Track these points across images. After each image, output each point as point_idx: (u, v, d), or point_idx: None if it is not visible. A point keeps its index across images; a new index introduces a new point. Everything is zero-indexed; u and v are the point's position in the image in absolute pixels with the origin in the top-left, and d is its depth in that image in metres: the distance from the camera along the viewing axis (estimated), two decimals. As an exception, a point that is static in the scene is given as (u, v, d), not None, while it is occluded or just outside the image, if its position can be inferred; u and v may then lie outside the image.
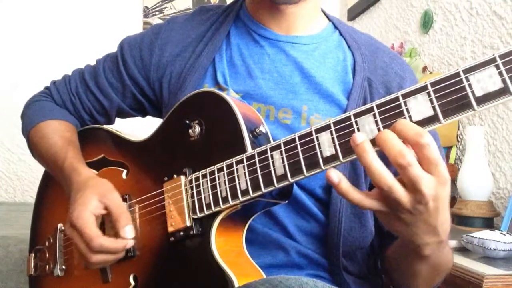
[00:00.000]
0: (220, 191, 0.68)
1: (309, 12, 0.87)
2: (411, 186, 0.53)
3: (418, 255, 0.65)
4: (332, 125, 0.59)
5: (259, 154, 0.65)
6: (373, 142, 0.55)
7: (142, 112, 1.01)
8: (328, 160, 0.59)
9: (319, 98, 0.81)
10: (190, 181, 0.73)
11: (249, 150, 0.67)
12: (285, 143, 0.63)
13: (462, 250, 1.14)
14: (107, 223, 0.79)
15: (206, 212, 0.70)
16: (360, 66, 0.83)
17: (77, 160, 0.86)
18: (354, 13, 2.51)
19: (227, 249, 0.70)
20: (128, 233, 0.74)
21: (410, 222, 0.58)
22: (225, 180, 0.68)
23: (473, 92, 0.50)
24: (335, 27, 0.90)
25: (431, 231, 0.60)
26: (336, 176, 0.56)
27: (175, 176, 0.75)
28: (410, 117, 0.54)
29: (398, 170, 0.53)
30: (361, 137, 0.54)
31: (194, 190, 0.72)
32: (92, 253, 0.74)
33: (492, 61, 0.50)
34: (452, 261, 0.78)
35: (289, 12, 0.85)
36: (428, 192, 0.53)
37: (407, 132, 0.52)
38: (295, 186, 0.75)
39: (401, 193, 0.54)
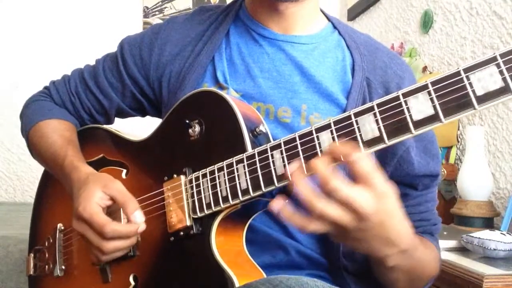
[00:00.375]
0: (220, 190, 0.68)
1: (308, 12, 0.87)
2: (346, 207, 0.55)
3: (383, 266, 0.66)
4: (332, 125, 0.59)
5: (259, 153, 0.65)
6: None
7: (142, 111, 1.01)
8: (328, 159, 0.59)
9: (319, 97, 0.81)
10: (190, 181, 0.73)
11: (249, 150, 0.67)
12: (285, 143, 0.63)
13: (462, 250, 1.14)
14: (112, 214, 0.79)
15: (206, 212, 0.70)
16: (359, 66, 0.83)
17: (77, 158, 0.86)
18: (354, 13, 2.51)
19: (227, 248, 0.70)
20: (138, 218, 0.74)
21: (361, 238, 0.60)
22: (225, 180, 0.68)
23: (473, 91, 0.50)
24: (334, 27, 0.90)
25: (386, 244, 0.61)
26: (277, 207, 0.59)
27: (175, 175, 0.75)
28: (410, 116, 0.54)
29: (329, 196, 0.56)
30: (293, 167, 0.59)
31: (194, 190, 0.71)
32: (106, 241, 0.73)
33: (492, 60, 0.50)
34: (435, 263, 0.79)
35: (289, 12, 0.85)
36: (364, 210, 0.55)
37: (337, 152, 0.56)
38: None
39: (336, 214, 0.56)
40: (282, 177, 0.62)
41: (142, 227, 0.74)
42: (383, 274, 0.74)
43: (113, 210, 0.77)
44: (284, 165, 0.61)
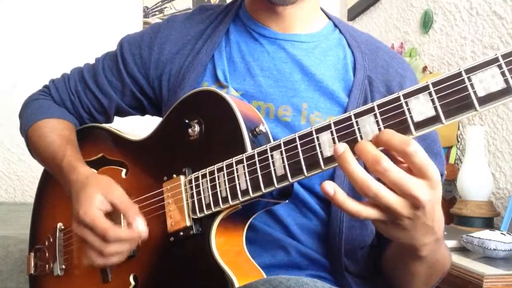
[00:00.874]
0: (220, 191, 0.68)
1: (307, 12, 0.87)
2: (398, 190, 0.54)
3: (415, 256, 0.65)
4: (332, 125, 0.59)
5: (259, 154, 0.65)
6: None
7: (141, 110, 1.00)
8: (328, 160, 0.59)
9: (320, 95, 0.81)
10: (190, 181, 0.72)
11: (249, 150, 0.67)
12: (285, 143, 0.62)
13: (462, 250, 1.14)
14: (111, 217, 0.78)
15: (206, 212, 0.70)
16: (360, 64, 0.83)
17: (75, 158, 0.86)
18: (354, 13, 2.51)
19: (227, 249, 0.70)
20: (140, 225, 0.73)
21: (410, 227, 0.58)
22: (225, 180, 0.68)
23: (475, 92, 0.50)
24: (335, 25, 0.90)
25: (429, 232, 0.60)
26: (331, 187, 0.55)
27: (174, 176, 0.75)
28: (411, 117, 0.54)
29: (380, 178, 0.53)
30: (342, 148, 0.54)
31: (194, 190, 0.71)
32: (107, 244, 0.72)
33: (494, 61, 0.50)
34: (449, 259, 0.78)
35: (287, 13, 0.85)
36: (422, 197, 0.53)
37: (393, 142, 0.52)
38: (296, 184, 0.75)
39: (391, 199, 0.54)
40: (283, 177, 0.62)
41: (144, 235, 0.73)
42: (408, 266, 0.71)
43: (112, 213, 0.77)
44: (284, 166, 0.59)
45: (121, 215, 0.76)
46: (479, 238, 1.06)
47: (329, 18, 0.92)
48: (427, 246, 0.62)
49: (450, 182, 1.61)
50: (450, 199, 1.62)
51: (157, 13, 2.57)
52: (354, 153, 0.55)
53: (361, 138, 0.57)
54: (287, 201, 0.72)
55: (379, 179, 0.54)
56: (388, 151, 0.54)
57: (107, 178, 0.80)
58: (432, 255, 0.66)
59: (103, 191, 0.76)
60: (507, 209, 1.30)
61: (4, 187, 2.45)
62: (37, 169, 1.07)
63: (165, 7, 2.58)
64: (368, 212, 0.56)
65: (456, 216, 1.45)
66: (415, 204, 0.54)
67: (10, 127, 2.32)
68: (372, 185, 0.53)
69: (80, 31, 2.47)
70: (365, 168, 0.54)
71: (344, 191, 0.55)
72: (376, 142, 0.54)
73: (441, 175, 0.84)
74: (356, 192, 0.55)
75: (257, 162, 0.65)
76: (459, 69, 0.51)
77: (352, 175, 0.54)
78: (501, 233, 1.07)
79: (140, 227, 0.73)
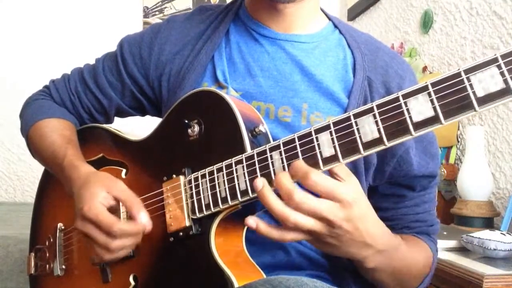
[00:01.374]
0: (220, 191, 0.68)
1: (308, 12, 0.87)
2: (313, 216, 0.58)
3: (364, 268, 0.69)
4: (331, 126, 0.59)
5: (259, 154, 0.65)
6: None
7: (141, 111, 1.00)
8: (327, 160, 0.59)
9: (320, 96, 0.81)
10: (189, 181, 0.72)
11: (249, 150, 0.67)
12: (285, 143, 0.62)
13: (462, 250, 1.14)
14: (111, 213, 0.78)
15: (206, 213, 0.70)
16: (360, 65, 0.83)
17: (77, 157, 0.86)
18: (354, 13, 2.51)
19: (227, 249, 0.70)
20: (144, 218, 0.73)
21: (336, 244, 0.62)
22: (224, 181, 0.68)
23: (474, 93, 0.50)
24: (335, 26, 0.90)
25: (362, 246, 0.64)
26: (254, 221, 0.61)
27: (174, 176, 0.75)
28: (410, 117, 0.54)
29: (295, 209, 0.58)
30: (260, 184, 0.60)
31: (194, 190, 0.71)
32: (113, 239, 0.72)
33: (493, 61, 0.50)
34: (426, 260, 0.80)
35: (288, 12, 0.85)
36: (334, 218, 0.58)
37: (298, 175, 0.58)
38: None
39: (309, 223, 0.59)
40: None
41: (148, 227, 0.74)
42: (369, 276, 0.75)
43: (112, 209, 0.77)
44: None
45: (121, 212, 0.77)
46: (479, 238, 1.06)
47: (329, 18, 0.92)
48: (368, 258, 0.66)
49: (450, 182, 1.61)
50: (450, 199, 1.62)
51: (157, 13, 2.57)
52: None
53: (360, 138, 0.57)
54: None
55: None
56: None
57: (108, 174, 0.80)
58: (385, 264, 0.69)
59: (106, 187, 0.76)
60: (507, 209, 1.30)
61: (4, 187, 2.46)
62: (37, 169, 1.07)
63: (165, 7, 2.58)
64: (291, 236, 0.61)
65: (456, 216, 1.45)
66: (330, 224, 0.59)
67: (10, 127, 2.33)
68: (290, 216, 0.58)
69: (80, 31, 2.47)
70: None
71: None
72: (290, 174, 0.59)
73: (436, 177, 0.84)
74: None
75: (256, 163, 0.65)
76: (458, 69, 0.51)
77: (272, 208, 0.59)
78: (501, 233, 1.07)
79: (144, 220, 0.73)
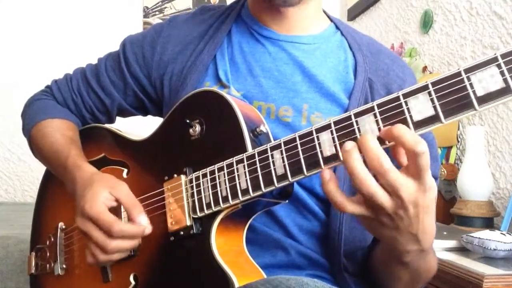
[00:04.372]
0: (220, 190, 0.68)
1: (310, 13, 0.87)
2: (391, 191, 0.55)
3: (398, 260, 0.66)
4: (332, 125, 0.59)
5: (260, 153, 0.65)
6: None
7: (143, 110, 1.01)
8: (328, 160, 0.59)
9: (320, 96, 0.82)
10: (190, 181, 0.73)
11: (250, 150, 0.67)
12: (286, 143, 0.63)
13: (462, 250, 1.14)
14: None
15: (206, 212, 0.70)
16: (361, 67, 0.83)
17: (79, 157, 0.86)
18: (354, 13, 2.51)
19: (227, 248, 0.70)
20: (144, 222, 0.74)
21: (392, 227, 0.59)
22: (225, 180, 0.68)
23: (474, 92, 0.50)
24: (337, 27, 0.90)
25: (412, 239, 0.61)
26: (328, 173, 0.57)
27: (175, 175, 0.75)
28: (411, 116, 0.54)
29: (376, 175, 0.54)
30: (350, 144, 0.55)
31: (194, 190, 0.71)
32: (111, 239, 0.73)
33: (493, 60, 0.50)
34: (434, 270, 0.79)
35: (290, 14, 0.85)
36: (407, 198, 0.55)
37: (406, 139, 0.53)
38: (295, 185, 0.75)
39: (384, 199, 0.55)
40: (283, 176, 0.62)
41: (148, 230, 0.74)
42: (391, 269, 0.73)
43: (113, 210, 0.77)
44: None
45: (122, 213, 0.77)
46: (479, 238, 1.06)
47: (331, 20, 0.92)
48: (410, 253, 0.63)
49: (450, 182, 1.61)
50: (450, 199, 1.62)
51: (157, 13, 2.57)
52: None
53: None
54: (287, 201, 0.72)
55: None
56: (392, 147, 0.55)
57: (112, 176, 0.80)
58: (416, 263, 0.68)
59: (109, 187, 0.76)
60: (507, 209, 1.30)
61: (4, 187, 2.46)
62: (37, 169, 1.08)
63: (165, 7, 2.58)
64: (353, 208, 0.58)
65: (456, 216, 1.45)
66: (399, 203, 0.55)
67: (10, 127, 2.33)
68: (372, 185, 0.55)
69: (80, 31, 2.47)
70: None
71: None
72: (386, 135, 0.55)
73: (436, 179, 0.84)
74: (352, 194, 0.57)
75: (257, 162, 0.65)
76: (458, 69, 0.52)
77: (356, 171, 0.55)
78: (501, 233, 1.07)
79: (144, 223, 0.74)
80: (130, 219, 0.75)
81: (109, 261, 0.76)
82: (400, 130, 0.53)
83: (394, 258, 0.67)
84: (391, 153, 0.56)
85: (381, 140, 0.55)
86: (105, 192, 0.75)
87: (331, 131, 0.59)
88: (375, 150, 0.54)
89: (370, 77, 0.83)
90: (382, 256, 0.76)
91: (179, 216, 0.73)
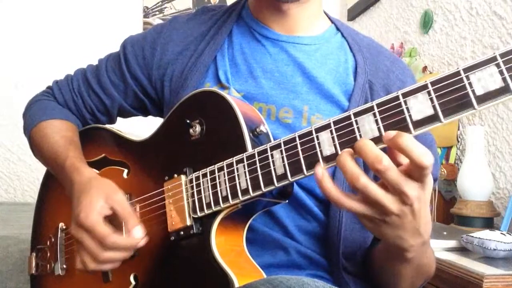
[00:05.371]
0: (220, 190, 0.68)
1: (311, 13, 0.87)
2: (393, 188, 0.55)
3: (402, 257, 0.66)
4: (332, 124, 0.59)
5: (259, 153, 0.65)
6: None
7: (144, 111, 1.01)
8: (328, 159, 0.59)
9: (321, 98, 0.82)
10: (191, 181, 0.73)
11: (249, 150, 0.67)
12: (285, 143, 0.63)
13: (462, 250, 1.14)
14: (112, 222, 0.78)
15: (206, 212, 0.70)
16: (361, 68, 0.84)
17: (78, 159, 0.86)
18: (354, 13, 2.51)
19: (228, 248, 0.70)
20: (138, 234, 0.74)
21: (397, 225, 0.59)
22: (225, 180, 0.68)
23: (473, 91, 0.50)
24: (337, 29, 0.90)
25: (416, 233, 0.61)
26: (320, 170, 0.57)
27: (175, 175, 0.75)
28: (410, 116, 0.54)
29: (378, 175, 0.54)
30: (344, 155, 0.56)
31: (195, 190, 0.72)
32: (104, 251, 0.73)
33: (492, 59, 0.50)
34: (434, 264, 0.79)
35: (291, 13, 0.85)
36: (412, 194, 0.55)
37: (413, 152, 0.52)
38: (295, 186, 0.75)
39: (380, 194, 0.55)
40: (282, 176, 0.62)
41: (142, 242, 0.74)
42: (395, 267, 0.72)
43: (113, 218, 0.77)
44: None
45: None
46: (479, 238, 1.06)
47: (332, 21, 0.92)
48: (414, 247, 0.63)
49: (450, 182, 1.61)
50: (450, 199, 1.62)
51: (157, 13, 2.57)
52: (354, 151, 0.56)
53: (360, 137, 0.57)
54: (287, 201, 0.72)
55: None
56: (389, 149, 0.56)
57: (110, 182, 0.80)
58: (419, 257, 0.67)
59: (105, 196, 0.76)
60: (507, 209, 1.30)
61: (4, 187, 2.46)
62: (37, 169, 1.08)
63: (165, 7, 2.58)
64: (350, 204, 0.57)
65: (456, 216, 1.45)
66: (404, 200, 0.55)
67: (10, 127, 2.33)
68: (362, 178, 0.55)
69: (80, 31, 2.47)
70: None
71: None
72: (392, 144, 0.54)
73: (435, 180, 0.84)
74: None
75: (257, 161, 0.65)
76: (458, 68, 0.52)
77: (346, 171, 0.55)
78: (501, 233, 1.07)
79: (138, 236, 0.74)
80: (125, 230, 0.75)
81: (99, 270, 0.76)
82: (407, 141, 0.52)
83: (397, 256, 0.67)
84: (387, 152, 0.56)
85: (378, 140, 0.55)
86: (101, 201, 0.75)
87: (331, 131, 0.59)
88: (374, 151, 0.54)
89: (370, 79, 0.83)
90: (384, 255, 0.76)
91: (179, 216, 0.73)
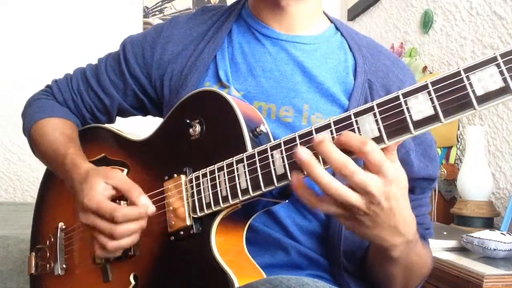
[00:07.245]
0: (220, 190, 0.68)
1: (310, 12, 0.87)
2: (360, 190, 0.56)
3: (387, 257, 0.67)
4: (332, 124, 0.59)
5: (259, 153, 0.65)
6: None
7: (143, 111, 1.01)
8: (328, 159, 0.59)
9: (320, 97, 0.82)
10: (190, 180, 0.73)
11: (249, 149, 0.67)
12: (285, 142, 0.63)
13: (462, 250, 1.14)
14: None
15: (206, 211, 0.70)
16: (361, 68, 0.84)
17: (78, 156, 0.86)
18: (354, 13, 2.52)
19: (227, 248, 0.70)
20: (144, 201, 0.74)
21: (370, 224, 0.60)
22: (225, 180, 0.68)
23: (473, 91, 0.50)
24: (337, 28, 0.90)
25: (394, 232, 0.62)
26: (296, 179, 0.60)
27: (175, 175, 0.75)
28: (410, 116, 0.54)
29: (345, 179, 0.56)
30: (306, 154, 0.57)
31: (195, 189, 0.72)
32: (117, 225, 0.72)
33: (493, 60, 0.50)
34: (429, 261, 0.80)
35: (291, 11, 0.85)
36: (376, 192, 0.56)
37: (352, 142, 0.56)
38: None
39: (354, 198, 0.57)
40: (282, 176, 0.62)
41: (151, 209, 0.74)
42: (384, 267, 0.74)
43: (113, 199, 0.77)
44: (284, 165, 0.60)
45: (122, 202, 0.76)
46: (479, 238, 1.07)
47: (331, 21, 0.92)
48: (397, 247, 0.64)
49: (450, 182, 1.61)
50: (450, 199, 1.62)
51: (157, 13, 2.57)
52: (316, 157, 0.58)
53: None
54: (287, 201, 0.72)
55: None
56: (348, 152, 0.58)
57: (106, 167, 0.80)
58: (405, 257, 0.68)
59: (104, 177, 0.76)
60: (507, 209, 1.30)
61: (4, 187, 2.46)
62: (37, 169, 1.08)
63: (165, 7, 2.58)
64: (326, 207, 0.59)
65: (456, 216, 1.46)
66: (371, 199, 0.57)
67: (11, 127, 2.33)
68: (338, 188, 0.57)
69: (80, 31, 2.47)
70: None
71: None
72: (337, 144, 0.57)
73: (435, 180, 0.85)
74: None
75: (257, 161, 0.65)
76: (458, 68, 0.52)
77: (319, 177, 0.57)
78: (501, 233, 1.07)
79: (144, 202, 0.73)
80: (130, 202, 0.74)
81: (119, 249, 0.75)
82: (346, 136, 0.56)
83: (384, 255, 0.68)
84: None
85: (379, 140, 0.56)
86: (101, 183, 0.75)
87: (331, 131, 0.59)
88: (340, 156, 0.56)
89: (370, 78, 0.83)
90: (374, 255, 0.77)
91: (179, 216, 0.73)
